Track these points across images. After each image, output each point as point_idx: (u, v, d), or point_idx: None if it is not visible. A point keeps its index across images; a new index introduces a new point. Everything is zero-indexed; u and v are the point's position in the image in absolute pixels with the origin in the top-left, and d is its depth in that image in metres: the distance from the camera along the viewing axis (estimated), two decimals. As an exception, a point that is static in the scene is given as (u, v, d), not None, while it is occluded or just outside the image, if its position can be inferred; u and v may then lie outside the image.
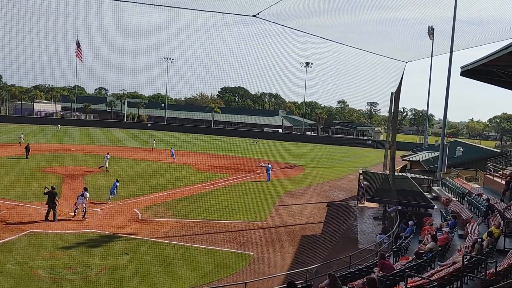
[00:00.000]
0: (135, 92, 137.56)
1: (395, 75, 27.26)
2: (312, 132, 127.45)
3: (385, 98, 32.02)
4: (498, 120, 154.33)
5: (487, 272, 10.72)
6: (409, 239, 17.94)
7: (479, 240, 13.45)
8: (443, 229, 17.72)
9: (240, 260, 18.21)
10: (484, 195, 22.01)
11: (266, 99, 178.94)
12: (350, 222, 26.31)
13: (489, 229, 15.18)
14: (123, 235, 20.51)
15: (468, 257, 11.69)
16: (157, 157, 49.09)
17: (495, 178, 25.05)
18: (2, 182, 30.10)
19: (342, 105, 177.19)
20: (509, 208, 18.20)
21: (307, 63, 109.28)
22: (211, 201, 28.97)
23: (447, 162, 33.61)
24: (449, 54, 32.48)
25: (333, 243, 21.47)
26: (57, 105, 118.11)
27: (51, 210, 21.85)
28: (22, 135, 55.45)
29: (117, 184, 27.01)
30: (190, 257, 18.18)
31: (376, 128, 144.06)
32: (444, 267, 12.59)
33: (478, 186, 27.79)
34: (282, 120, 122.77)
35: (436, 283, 10.19)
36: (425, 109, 74.75)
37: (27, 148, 42.15)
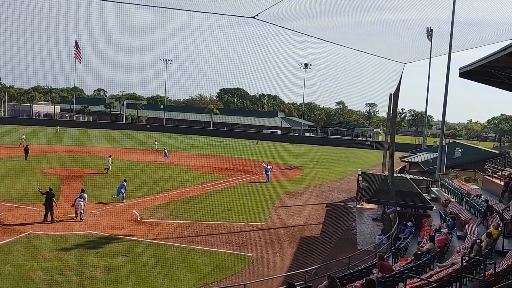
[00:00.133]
0: (133, 93, 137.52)
1: (393, 76, 27.36)
2: (311, 133, 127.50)
3: (383, 99, 32.13)
4: (496, 121, 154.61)
5: (486, 273, 10.71)
6: (408, 240, 17.96)
7: (478, 241, 13.45)
8: (442, 230, 17.71)
9: (239, 262, 18.20)
10: (482, 196, 22.01)
11: (265, 100, 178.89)
12: (349, 223, 26.31)
13: (488, 230, 15.18)
14: (122, 236, 20.49)
15: (467, 258, 11.70)
16: (156, 158, 49.05)
17: (494, 179, 25.08)
18: (0, 183, 30.04)
19: (341, 107, 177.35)
20: (508, 209, 18.22)
21: (306, 64, 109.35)
22: (210, 202, 28.95)
23: (446, 163, 33.69)
24: (447, 55, 32.61)
25: (332, 244, 21.46)
26: (55, 106, 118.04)
27: (49, 212, 21.82)
28: (24, 136, 53.85)
29: (125, 184, 27.34)
30: (189, 258, 18.17)
31: (375, 129, 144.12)
32: (443, 268, 12.60)
33: (477, 187, 27.82)
34: (281, 121, 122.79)
35: (435, 284, 10.19)
36: (424, 110, 74.96)
37: (26, 150, 42.06)
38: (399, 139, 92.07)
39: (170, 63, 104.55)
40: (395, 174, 31.97)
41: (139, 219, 23.65)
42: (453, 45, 31.83)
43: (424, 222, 20.76)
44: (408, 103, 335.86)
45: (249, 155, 58.51)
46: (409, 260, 14.32)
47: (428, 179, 32.32)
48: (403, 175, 34.26)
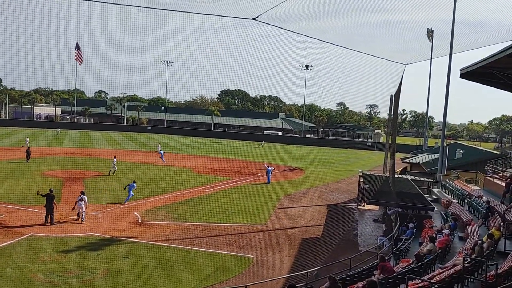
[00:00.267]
0: (134, 95, 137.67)
1: (394, 77, 27.39)
2: (312, 135, 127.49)
3: (384, 100, 32.09)
4: (497, 122, 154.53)
5: (488, 274, 10.70)
6: (409, 241, 17.93)
7: (479, 242, 13.45)
8: (443, 231, 17.69)
9: (241, 263, 18.19)
10: (484, 197, 21.98)
11: (266, 102, 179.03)
12: (350, 225, 26.29)
13: (490, 231, 15.17)
14: (123, 238, 20.50)
15: (469, 259, 11.69)
16: (157, 160, 49.06)
17: (495, 180, 25.04)
18: (2, 185, 30.10)
19: (342, 108, 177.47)
20: (509, 210, 18.18)
21: (307, 66, 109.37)
22: (211, 204, 28.94)
23: (447, 164, 33.64)
24: (448, 56, 32.61)
25: (333, 246, 21.44)
26: (56, 108, 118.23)
27: (49, 213, 21.84)
28: (28, 139, 52.28)
29: (135, 185, 27.83)
30: (191, 260, 18.16)
31: (376, 131, 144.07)
32: (444, 269, 12.57)
33: (478, 188, 27.77)
34: (282, 122, 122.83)
35: (436, 286, 10.18)
36: (425, 111, 74.89)
37: (28, 152, 42.09)
38: (400, 140, 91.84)
39: (171, 65, 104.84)
40: (396, 175, 31.95)
41: (140, 221, 23.65)
42: (454, 46, 31.87)
43: (426, 223, 20.75)
44: (409, 104, 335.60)
45: (250, 156, 58.53)
46: (411, 262, 14.30)
47: (430, 180, 32.30)
48: (404, 176, 34.23)
